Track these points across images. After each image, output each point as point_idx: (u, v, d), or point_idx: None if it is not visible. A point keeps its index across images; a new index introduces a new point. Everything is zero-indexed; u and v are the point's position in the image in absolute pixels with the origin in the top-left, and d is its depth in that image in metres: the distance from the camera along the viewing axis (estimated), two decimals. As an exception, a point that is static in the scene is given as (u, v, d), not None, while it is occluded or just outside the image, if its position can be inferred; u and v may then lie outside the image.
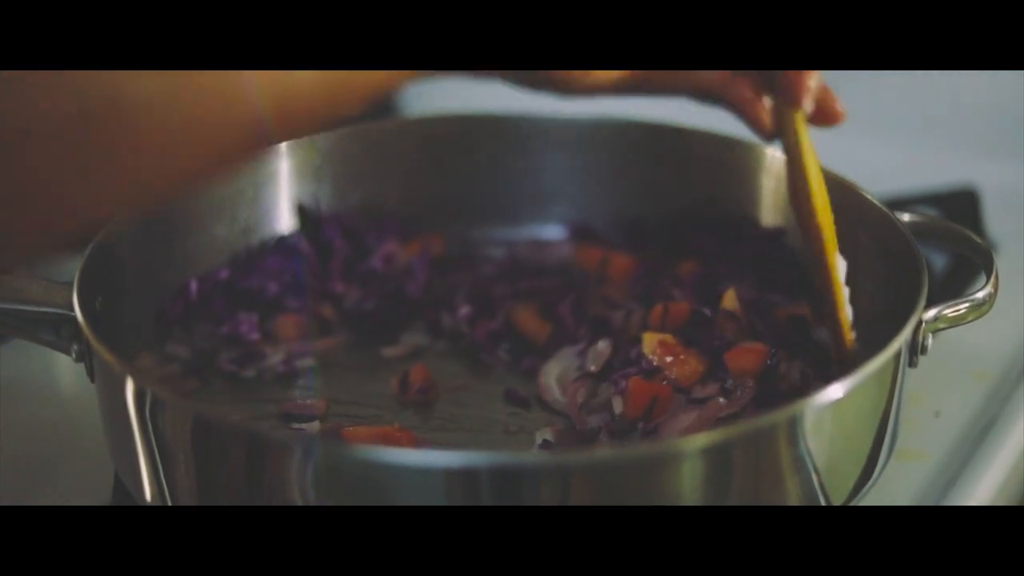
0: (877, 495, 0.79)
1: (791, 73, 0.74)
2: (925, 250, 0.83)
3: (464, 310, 0.94)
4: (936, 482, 0.85)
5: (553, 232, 1.01)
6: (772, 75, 0.75)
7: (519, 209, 1.00)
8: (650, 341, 0.85)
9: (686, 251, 0.96)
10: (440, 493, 0.69)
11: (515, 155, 1.00)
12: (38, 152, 0.59)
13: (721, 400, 0.82)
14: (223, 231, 0.95)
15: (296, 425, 0.86)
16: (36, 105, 0.60)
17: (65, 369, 0.91)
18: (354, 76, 0.64)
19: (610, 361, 0.87)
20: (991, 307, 0.81)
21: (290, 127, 0.64)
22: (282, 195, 0.97)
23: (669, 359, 0.85)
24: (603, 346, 0.88)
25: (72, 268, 0.81)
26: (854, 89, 1.11)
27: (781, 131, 0.78)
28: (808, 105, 0.75)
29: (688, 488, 0.71)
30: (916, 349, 0.79)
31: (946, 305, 0.80)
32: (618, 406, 0.84)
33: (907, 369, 0.79)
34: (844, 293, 0.81)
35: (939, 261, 1.02)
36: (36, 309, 0.81)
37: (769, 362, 0.84)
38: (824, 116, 0.76)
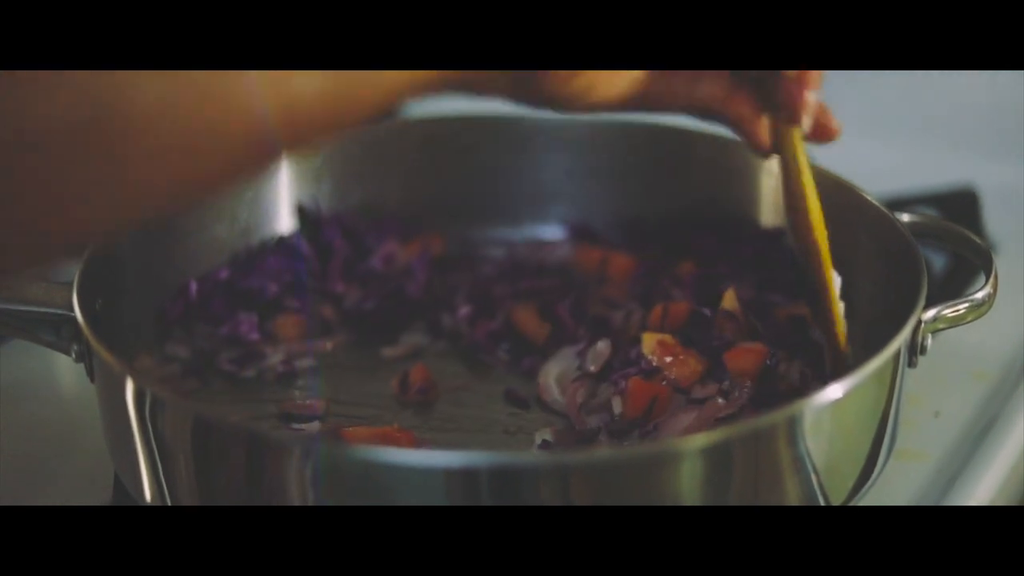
0: (876, 495, 0.79)
1: (790, 90, 0.74)
2: (924, 250, 0.83)
3: (464, 310, 0.94)
4: (935, 482, 0.85)
5: (553, 232, 1.01)
6: (770, 92, 0.75)
7: (519, 209, 1.00)
8: (649, 341, 0.86)
9: (686, 251, 0.96)
10: (440, 493, 0.69)
11: (515, 155, 1.00)
12: (40, 160, 0.59)
13: (720, 401, 0.82)
14: (223, 231, 0.95)
15: (296, 425, 0.86)
16: (39, 113, 0.59)
17: (65, 369, 0.91)
18: (358, 89, 0.64)
19: (609, 361, 0.87)
20: (990, 307, 0.81)
21: (295, 140, 0.64)
22: (282, 195, 0.97)
23: (668, 359, 0.85)
24: (602, 346, 0.88)
25: (72, 268, 0.81)
26: (854, 89, 1.12)
27: (779, 148, 0.78)
28: (807, 122, 0.75)
29: (687, 488, 0.71)
30: (915, 349, 0.79)
31: (945, 305, 0.80)
32: (617, 406, 0.84)
33: (906, 369, 0.79)
34: (840, 308, 0.81)
35: (938, 261, 1.02)
36: (36, 309, 0.81)
37: (768, 362, 0.84)
38: (820, 133, 0.77)
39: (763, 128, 0.77)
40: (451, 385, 0.90)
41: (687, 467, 0.71)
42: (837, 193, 0.88)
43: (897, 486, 0.83)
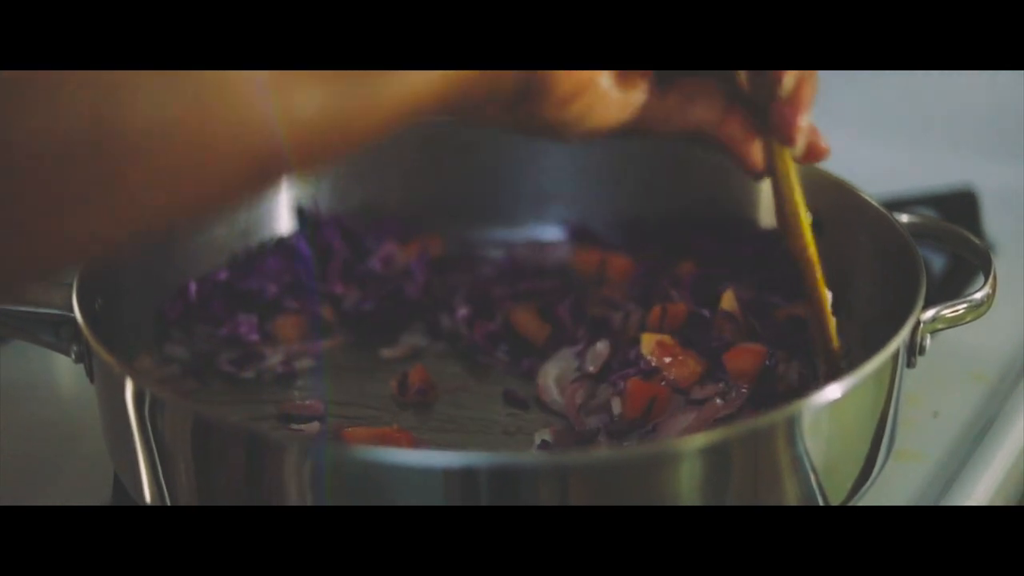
0: (875, 495, 0.79)
1: (784, 113, 0.75)
2: (923, 251, 0.83)
3: (463, 311, 0.94)
4: (934, 482, 0.85)
5: (552, 233, 1.01)
6: (764, 115, 0.76)
7: (518, 210, 1.01)
8: (649, 342, 0.86)
9: (685, 252, 0.96)
10: (439, 493, 0.69)
11: (515, 156, 1.00)
12: (38, 178, 0.59)
13: (718, 401, 0.82)
14: (222, 232, 0.95)
15: (295, 426, 0.86)
16: (38, 130, 0.59)
17: (65, 370, 0.91)
18: (356, 112, 0.64)
19: (609, 362, 0.87)
20: (989, 308, 0.81)
21: (302, 159, 0.64)
22: (281, 196, 0.97)
23: (668, 360, 0.85)
24: (602, 347, 0.88)
25: (72, 269, 0.81)
26: (854, 89, 1.12)
27: (771, 170, 0.79)
28: (800, 143, 0.76)
29: (686, 488, 0.71)
30: (914, 350, 0.79)
31: (944, 306, 0.80)
32: (617, 407, 0.84)
33: (905, 370, 0.79)
34: (833, 323, 0.82)
35: (937, 262, 1.02)
36: (36, 310, 0.81)
37: (767, 363, 0.84)
38: (811, 154, 0.77)
39: (756, 151, 0.78)
40: (450, 386, 0.90)
41: (686, 467, 0.71)
42: (836, 194, 0.88)
43: (896, 486, 0.83)
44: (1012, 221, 1.09)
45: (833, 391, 0.73)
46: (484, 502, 0.69)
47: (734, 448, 0.71)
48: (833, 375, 0.80)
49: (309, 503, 0.70)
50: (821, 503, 0.75)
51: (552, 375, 0.89)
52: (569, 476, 0.70)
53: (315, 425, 0.85)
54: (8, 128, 0.59)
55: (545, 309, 0.93)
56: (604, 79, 0.73)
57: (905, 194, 1.08)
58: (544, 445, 0.84)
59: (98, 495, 0.83)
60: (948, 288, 0.98)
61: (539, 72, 0.70)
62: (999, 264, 0.83)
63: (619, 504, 0.69)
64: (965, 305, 0.80)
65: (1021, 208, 1.11)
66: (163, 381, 0.88)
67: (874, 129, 1.17)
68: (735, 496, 0.72)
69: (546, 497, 0.69)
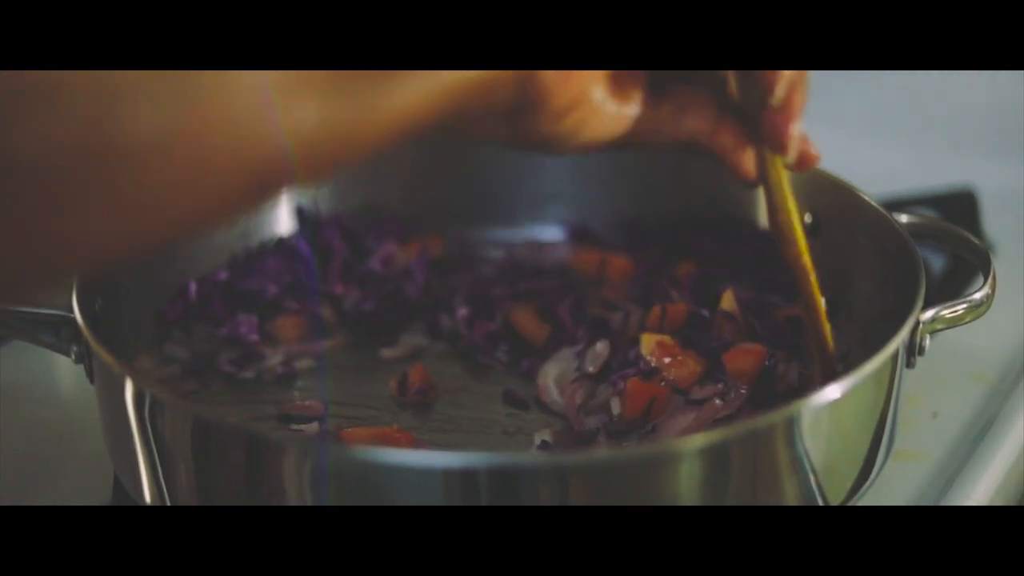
0: (875, 495, 0.79)
1: (776, 122, 0.75)
2: (923, 251, 0.83)
3: (463, 311, 0.94)
4: (934, 483, 0.85)
5: (552, 233, 1.01)
6: (756, 124, 0.76)
7: (518, 210, 1.01)
8: (648, 342, 0.86)
9: (684, 252, 0.96)
10: (439, 493, 0.69)
11: (514, 156, 1.00)
12: (31, 185, 0.59)
13: (718, 402, 0.82)
14: (222, 232, 0.95)
15: (295, 426, 0.86)
16: (35, 139, 0.59)
17: (65, 370, 0.91)
18: (355, 127, 0.64)
19: (608, 362, 0.87)
20: (989, 308, 0.81)
21: (298, 173, 0.64)
22: (281, 197, 0.97)
23: (667, 360, 0.85)
24: (601, 347, 0.88)
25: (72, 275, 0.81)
26: (854, 89, 1.12)
27: (764, 179, 0.79)
28: (793, 151, 0.76)
29: (686, 488, 0.71)
30: (914, 350, 0.79)
31: (944, 306, 0.80)
32: (616, 407, 0.84)
33: (905, 370, 0.79)
34: (828, 329, 0.82)
35: (937, 262, 1.02)
36: (36, 311, 0.81)
37: (767, 363, 0.84)
38: (802, 161, 0.78)
39: (749, 160, 0.79)
40: (450, 386, 0.90)
41: (686, 468, 0.71)
42: (836, 194, 0.88)
43: (895, 486, 0.84)
44: (1012, 221, 1.09)
45: (833, 391, 0.73)
46: (484, 502, 0.69)
47: (733, 448, 0.71)
48: (830, 380, 0.80)
49: (309, 503, 0.70)
50: (821, 503, 0.75)
51: (552, 375, 0.89)
52: (569, 476, 0.70)
53: (315, 425, 0.86)
54: (8, 128, 0.59)
55: (545, 309, 0.93)
56: (598, 92, 0.73)
57: (905, 194, 1.08)
58: (544, 445, 0.84)
59: (98, 495, 0.83)
60: (948, 288, 0.98)
61: (534, 86, 0.70)
62: (999, 264, 0.83)
63: (619, 504, 0.69)
64: (965, 305, 0.80)
65: (1021, 208, 1.11)
66: (163, 381, 0.88)
67: (874, 129, 1.17)
68: (735, 496, 0.72)
69: (546, 497, 0.69)
